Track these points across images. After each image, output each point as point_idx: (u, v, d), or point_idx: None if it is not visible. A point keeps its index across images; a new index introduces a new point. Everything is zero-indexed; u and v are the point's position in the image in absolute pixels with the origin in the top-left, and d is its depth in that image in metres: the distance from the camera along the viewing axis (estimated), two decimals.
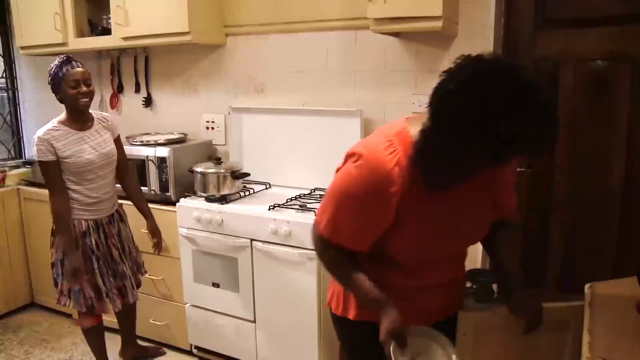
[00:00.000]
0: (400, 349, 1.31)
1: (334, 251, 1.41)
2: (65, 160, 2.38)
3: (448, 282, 1.52)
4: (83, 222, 2.48)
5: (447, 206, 1.33)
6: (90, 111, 2.53)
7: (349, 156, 1.36)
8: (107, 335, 2.76)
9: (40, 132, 2.38)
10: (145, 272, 2.83)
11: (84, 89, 2.38)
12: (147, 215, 2.71)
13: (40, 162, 2.38)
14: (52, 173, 2.38)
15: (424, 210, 1.32)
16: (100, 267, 2.52)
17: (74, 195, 2.45)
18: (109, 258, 2.56)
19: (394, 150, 1.27)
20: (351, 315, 1.52)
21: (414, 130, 1.25)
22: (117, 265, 2.59)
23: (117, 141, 2.60)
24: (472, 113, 1.10)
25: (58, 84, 2.37)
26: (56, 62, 2.39)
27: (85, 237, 2.48)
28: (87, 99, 2.40)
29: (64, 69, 2.35)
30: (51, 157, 2.36)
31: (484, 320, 1.54)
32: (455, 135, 1.13)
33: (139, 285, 2.77)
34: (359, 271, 1.40)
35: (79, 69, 2.38)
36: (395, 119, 1.40)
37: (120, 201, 2.71)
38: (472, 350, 1.52)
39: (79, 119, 2.45)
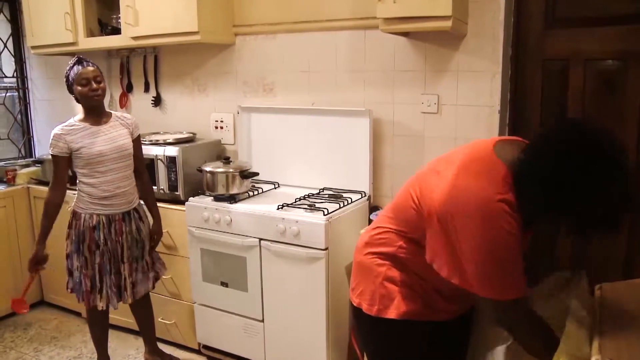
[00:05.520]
0: None
1: (524, 304, 1.40)
2: (77, 152, 2.45)
3: None
4: (95, 216, 2.50)
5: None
6: (110, 111, 2.63)
7: (459, 216, 1.35)
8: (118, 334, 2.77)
9: (56, 129, 2.48)
10: (158, 274, 2.76)
11: (95, 86, 2.46)
12: (155, 217, 2.74)
13: (52, 155, 2.47)
14: (59, 168, 2.48)
15: None
16: (103, 263, 2.52)
17: (87, 189, 2.49)
18: (115, 255, 2.55)
19: (508, 197, 1.33)
20: (393, 314, 1.49)
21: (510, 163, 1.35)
22: (120, 264, 2.58)
23: (136, 142, 2.64)
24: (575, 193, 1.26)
25: (71, 85, 2.48)
26: (69, 65, 2.50)
27: (93, 232, 2.50)
28: (99, 95, 2.49)
29: (75, 69, 2.46)
30: (63, 153, 2.45)
31: None
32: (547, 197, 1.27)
33: (154, 280, 2.73)
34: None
35: (89, 68, 2.48)
36: (479, 151, 1.45)
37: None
38: None
39: (93, 115, 2.53)
